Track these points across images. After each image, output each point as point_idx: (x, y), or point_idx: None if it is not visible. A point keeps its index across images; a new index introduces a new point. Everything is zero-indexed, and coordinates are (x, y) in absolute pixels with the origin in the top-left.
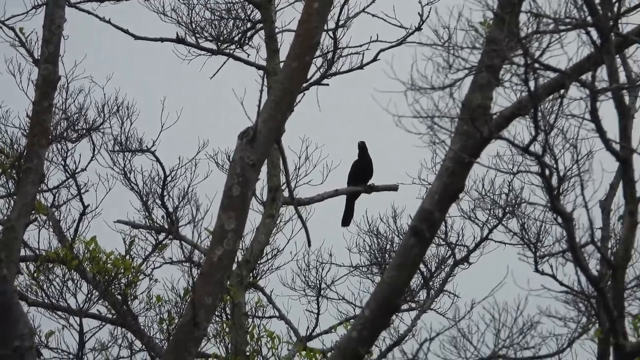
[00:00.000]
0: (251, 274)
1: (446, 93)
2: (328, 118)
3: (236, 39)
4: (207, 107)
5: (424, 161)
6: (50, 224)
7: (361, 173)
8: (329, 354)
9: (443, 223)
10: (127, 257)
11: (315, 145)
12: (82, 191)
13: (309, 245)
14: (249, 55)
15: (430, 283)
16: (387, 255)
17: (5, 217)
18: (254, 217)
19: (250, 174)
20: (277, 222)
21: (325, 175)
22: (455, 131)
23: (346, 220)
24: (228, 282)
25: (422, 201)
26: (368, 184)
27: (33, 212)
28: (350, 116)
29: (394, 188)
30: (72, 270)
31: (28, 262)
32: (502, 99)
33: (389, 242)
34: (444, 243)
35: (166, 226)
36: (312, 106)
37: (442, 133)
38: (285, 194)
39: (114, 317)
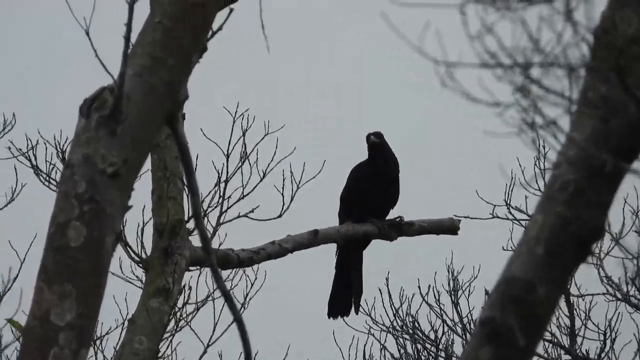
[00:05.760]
0: None
1: (551, 8)
2: (290, 68)
3: None
4: (23, 50)
5: (518, 166)
6: None
7: (374, 193)
8: None
9: (560, 310)
10: None
11: (264, 126)
12: None
13: None
14: None
15: None
16: None
17: None
18: (124, 291)
19: (110, 196)
20: (179, 306)
21: (291, 195)
22: (580, 99)
23: (342, 302)
24: None
25: (508, 262)
26: (389, 218)
27: None
28: (342, 62)
29: (449, 228)
30: None
31: None
32: None
33: (441, 353)
34: None
35: None
36: (252, 39)
37: (548, 102)
38: (196, 242)
39: None
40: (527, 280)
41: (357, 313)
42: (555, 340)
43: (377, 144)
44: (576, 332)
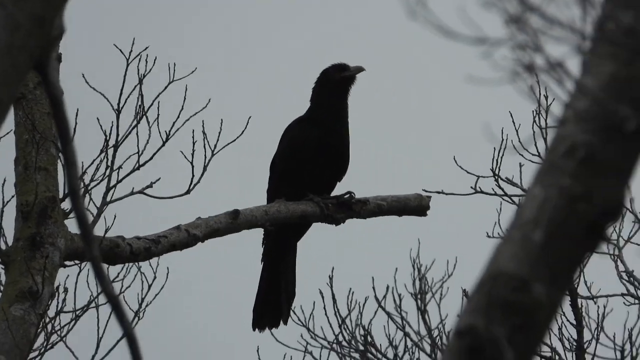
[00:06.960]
0: None
1: None
2: None
3: None
4: None
5: (510, 124)
6: None
7: (317, 161)
8: None
9: (564, 316)
10: None
11: (169, 71)
12: None
13: None
14: None
15: None
16: None
17: None
18: None
19: None
20: (50, 315)
21: (203, 164)
22: (595, 33)
23: (270, 309)
24: None
25: (495, 252)
26: (335, 194)
27: None
28: None
29: (416, 207)
30: None
31: None
32: None
33: None
34: None
35: None
36: None
37: (552, 37)
38: (74, 227)
39: None
40: (520, 277)
41: (285, 323)
42: (557, 357)
43: (352, 78)
44: (585, 346)
